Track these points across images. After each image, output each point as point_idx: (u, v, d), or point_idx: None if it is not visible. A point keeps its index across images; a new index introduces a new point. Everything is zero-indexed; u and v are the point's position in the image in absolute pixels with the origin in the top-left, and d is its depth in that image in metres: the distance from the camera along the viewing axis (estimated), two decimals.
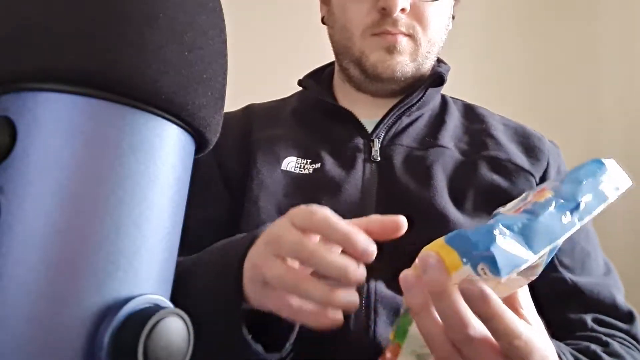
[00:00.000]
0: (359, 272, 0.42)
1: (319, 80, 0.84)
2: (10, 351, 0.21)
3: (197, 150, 0.29)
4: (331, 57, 0.83)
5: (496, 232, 0.37)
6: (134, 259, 0.23)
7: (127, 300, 0.22)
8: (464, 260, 0.37)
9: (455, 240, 0.38)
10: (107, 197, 0.23)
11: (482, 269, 0.36)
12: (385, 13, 0.70)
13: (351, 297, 0.42)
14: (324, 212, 0.43)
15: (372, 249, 0.42)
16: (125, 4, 0.24)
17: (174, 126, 0.26)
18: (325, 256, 0.42)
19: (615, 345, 0.62)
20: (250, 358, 0.49)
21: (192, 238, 0.67)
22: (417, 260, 0.39)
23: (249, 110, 0.83)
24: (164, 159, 0.25)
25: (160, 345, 0.22)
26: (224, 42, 0.28)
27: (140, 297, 0.23)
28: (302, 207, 0.45)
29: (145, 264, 0.24)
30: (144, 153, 0.24)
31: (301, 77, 0.83)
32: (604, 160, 0.42)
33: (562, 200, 0.39)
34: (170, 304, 0.24)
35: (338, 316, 0.43)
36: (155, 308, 0.23)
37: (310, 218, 0.43)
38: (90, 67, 0.23)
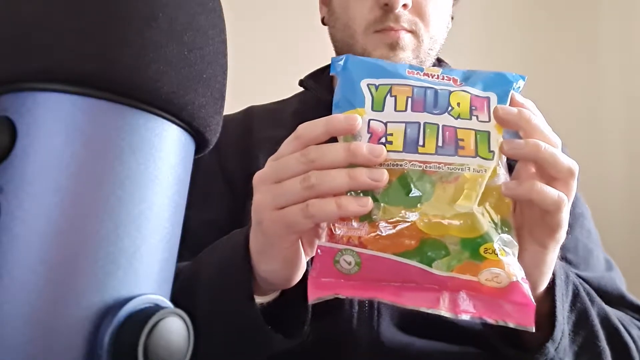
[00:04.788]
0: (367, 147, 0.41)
1: (319, 81, 0.83)
2: (10, 351, 0.21)
3: (197, 151, 0.29)
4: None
5: None
6: (134, 258, 0.23)
7: (127, 300, 0.22)
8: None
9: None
10: (106, 197, 0.23)
11: None
12: (387, 9, 0.70)
13: (374, 173, 0.40)
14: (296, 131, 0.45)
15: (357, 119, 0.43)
16: (125, 3, 0.24)
17: (174, 126, 0.26)
18: (330, 146, 0.42)
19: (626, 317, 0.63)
20: (267, 349, 0.49)
21: (193, 240, 0.67)
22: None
23: (250, 112, 0.82)
24: (164, 159, 0.25)
25: (161, 345, 0.22)
26: (224, 42, 0.28)
27: (140, 297, 0.23)
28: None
29: (145, 263, 0.24)
30: (144, 153, 0.24)
31: (302, 78, 0.83)
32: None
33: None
34: (170, 304, 0.24)
35: (366, 202, 0.41)
36: (155, 308, 0.23)
37: (291, 140, 0.45)
38: (90, 67, 0.23)
